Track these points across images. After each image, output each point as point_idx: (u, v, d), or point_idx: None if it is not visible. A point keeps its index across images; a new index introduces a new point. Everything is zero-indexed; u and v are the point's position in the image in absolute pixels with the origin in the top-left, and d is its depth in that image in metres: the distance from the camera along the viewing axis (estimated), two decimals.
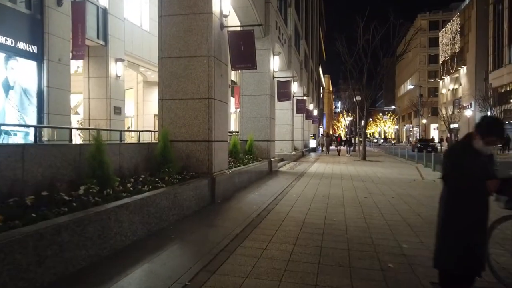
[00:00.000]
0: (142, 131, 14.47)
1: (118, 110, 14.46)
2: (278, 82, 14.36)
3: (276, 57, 14.03)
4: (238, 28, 8.27)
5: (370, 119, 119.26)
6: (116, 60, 14.28)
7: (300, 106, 21.15)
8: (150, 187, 5.18)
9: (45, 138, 10.73)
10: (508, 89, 38.14)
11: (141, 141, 9.88)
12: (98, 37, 13.69)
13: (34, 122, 10.93)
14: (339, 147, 28.21)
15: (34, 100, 11.00)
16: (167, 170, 6.05)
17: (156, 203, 4.86)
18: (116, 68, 14.27)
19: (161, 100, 7.30)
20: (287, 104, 19.61)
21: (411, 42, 19.84)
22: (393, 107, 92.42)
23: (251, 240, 4.63)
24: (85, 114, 14.22)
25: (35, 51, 10.83)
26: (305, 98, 23.10)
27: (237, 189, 8.69)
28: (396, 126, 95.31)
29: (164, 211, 5.06)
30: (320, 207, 6.89)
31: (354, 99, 24.84)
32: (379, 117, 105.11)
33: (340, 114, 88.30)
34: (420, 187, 10.07)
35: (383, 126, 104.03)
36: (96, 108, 14.05)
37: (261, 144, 13.28)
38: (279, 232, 5.03)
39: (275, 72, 14.03)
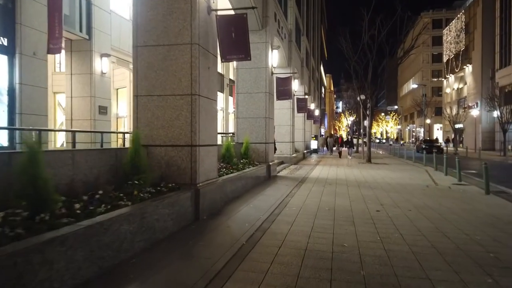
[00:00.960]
0: (120, 132, 13.36)
1: (103, 110, 13.32)
2: (277, 79, 13.19)
3: (275, 51, 12.87)
4: (230, 12, 7.10)
5: (373, 119, 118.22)
6: (102, 55, 13.14)
7: (301, 106, 19.98)
8: (109, 206, 4.03)
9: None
10: None
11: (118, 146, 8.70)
12: (80, 30, 12.56)
13: (5, 123, 9.80)
14: (340, 149, 26.62)
15: (5, 99, 9.86)
16: (137, 182, 4.89)
17: (114, 229, 3.71)
18: (101, 64, 13.13)
19: (136, 96, 6.13)
20: (287, 103, 18.46)
21: (420, 36, 18.63)
22: (395, 107, 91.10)
23: (235, 282, 3.47)
24: (67, 114, 13.08)
25: (6, 43, 9.69)
26: (307, 97, 21.93)
27: (228, 200, 7.53)
28: (399, 126, 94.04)
29: (125, 238, 3.91)
30: (326, 225, 5.72)
31: (358, 98, 23.64)
32: (381, 117, 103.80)
33: (342, 114, 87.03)
34: (437, 196, 8.89)
35: (385, 126, 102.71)
36: (79, 108, 12.92)
37: (259, 146, 12.12)
38: (274, 267, 3.86)
39: (274, 68, 12.87)
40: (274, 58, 12.78)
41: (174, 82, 5.99)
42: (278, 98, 13.52)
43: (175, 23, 5.98)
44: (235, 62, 12.65)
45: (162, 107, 6.02)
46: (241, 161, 10.57)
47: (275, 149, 16.06)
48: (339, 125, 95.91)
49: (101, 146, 11.36)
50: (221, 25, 6.54)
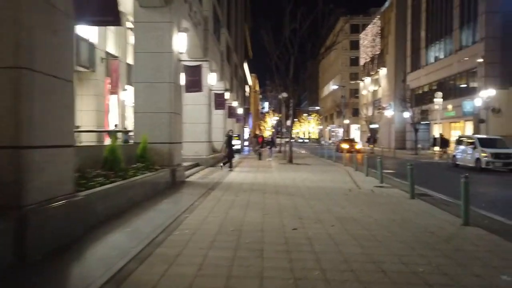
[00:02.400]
0: None
1: None
2: (186, 67, 11.27)
3: (184, 35, 10.94)
4: None
5: (295, 119, 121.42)
6: None
7: (220, 102, 18.30)
8: None
9: None
10: (425, 90, 39.37)
11: None
12: None
13: None
14: (260, 149, 24.08)
15: None
16: None
17: None
18: None
19: None
20: (203, 98, 16.59)
21: (340, 33, 18.07)
22: (317, 107, 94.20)
23: None
24: None
25: None
26: (226, 93, 20.27)
27: (99, 222, 5.48)
28: (320, 126, 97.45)
29: None
30: (221, 261, 4.02)
31: (280, 96, 22.66)
32: (303, 117, 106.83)
33: (267, 114, 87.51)
34: (361, 203, 7.78)
35: (308, 126, 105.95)
36: None
37: (161, 147, 10.09)
38: None
39: (181, 53, 10.95)
40: (181, 42, 10.84)
41: None
42: (187, 90, 11.62)
43: None
44: (133, 37, 10.47)
45: None
46: (136, 165, 8.49)
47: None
48: (264, 125, 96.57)
49: None
50: None
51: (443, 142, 31.84)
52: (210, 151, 17.44)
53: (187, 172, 12.62)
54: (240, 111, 33.82)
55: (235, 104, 28.10)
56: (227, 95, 20.98)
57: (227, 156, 15.47)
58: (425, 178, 13.26)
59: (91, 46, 14.81)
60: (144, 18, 10.06)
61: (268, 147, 24.50)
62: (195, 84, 11.30)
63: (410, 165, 8.73)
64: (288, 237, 5.01)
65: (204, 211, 6.65)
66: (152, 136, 9.90)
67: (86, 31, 14.20)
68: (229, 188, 9.84)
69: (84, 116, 15.46)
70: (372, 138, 45.82)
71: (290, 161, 18.89)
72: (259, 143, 23.88)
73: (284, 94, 21.17)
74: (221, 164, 15.40)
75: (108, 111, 17.50)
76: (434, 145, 31.81)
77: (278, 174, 13.90)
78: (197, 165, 15.49)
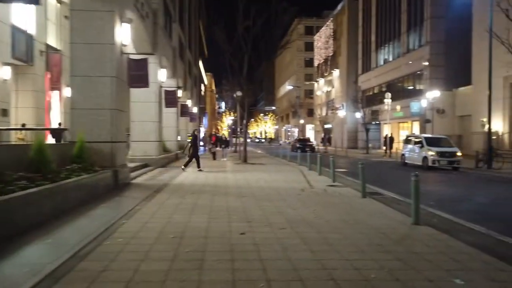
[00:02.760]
0: None
1: None
2: (130, 60, 10.49)
3: (127, 26, 10.18)
4: None
5: (252, 119, 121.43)
6: None
7: (171, 99, 17.52)
8: None
9: None
10: (375, 91, 40.72)
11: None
12: None
13: None
14: (214, 149, 22.27)
15: None
16: None
17: None
18: None
19: None
20: (153, 95, 15.76)
21: (293, 33, 17.89)
22: (273, 107, 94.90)
23: None
24: None
25: None
26: (179, 90, 19.48)
27: (17, 233, 4.73)
28: (276, 126, 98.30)
29: None
30: (154, 275, 3.50)
31: (235, 95, 22.23)
32: (260, 117, 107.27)
33: (224, 114, 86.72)
34: (313, 203, 7.54)
35: (264, 126, 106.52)
36: None
37: (102, 147, 9.28)
38: None
39: (125, 46, 10.18)
40: (125, 34, 10.08)
41: None
42: (130, 85, 10.83)
43: None
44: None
45: None
46: (70, 167, 7.67)
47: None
48: (221, 125, 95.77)
49: None
50: None
51: (390, 142, 33.06)
52: (161, 151, 16.62)
53: (134, 174, 11.83)
54: (194, 110, 32.99)
55: (189, 103, 27.30)
56: (179, 93, 20.20)
57: (191, 156, 14.65)
58: (376, 177, 13.43)
59: (29, 38, 13.47)
60: (82, 5, 9.24)
61: (223, 146, 23.98)
62: (140, 79, 10.51)
63: (361, 164, 8.65)
64: (234, 244, 4.58)
65: (145, 217, 6.05)
66: (92, 134, 9.10)
67: (23, 22, 12.93)
68: (177, 190, 9.24)
69: (22, 114, 14.12)
70: (326, 138, 46.83)
71: (245, 161, 18.52)
72: (213, 143, 22.87)
73: (239, 93, 20.75)
74: (183, 166, 14.55)
75: (49, 108, 16.14)
76: (385, 144, 32.93)
77: (231, 174, 13.46)
78: (145, 166, 14.66)
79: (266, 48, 18.14)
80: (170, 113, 20.29)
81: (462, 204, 8.53)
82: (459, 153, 16.92)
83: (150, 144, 15.67)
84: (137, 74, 10.35)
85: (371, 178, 11.33)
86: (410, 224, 5.75)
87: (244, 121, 20.71)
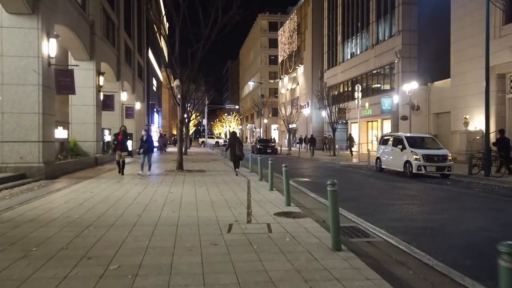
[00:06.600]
0: None
1: None
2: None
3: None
4: None
5: (217, 119, 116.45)
6: None
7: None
8: None
9: None
10: (343, 88, 37.48)
11: None
12: None
13: None
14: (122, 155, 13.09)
15: None
16: None
17: None
18: None
19: None
20: (30, 77, 11.09)
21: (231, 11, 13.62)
22: (236, 106, 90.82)
23: None
24: None
25: None
26: (100, 77, 14.84)
27: None
28: (240, 126, 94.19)
29: None
30: None
31: (173, 84, 17.85)
32: (224, 117, 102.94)
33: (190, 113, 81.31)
34: (228, 280, 3.45)
35: (229, 127, 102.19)
36: None
37: None
38: None
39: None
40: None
41: None
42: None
43: None
44: None
45: None
46: None
47: None
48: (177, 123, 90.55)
49: None
50: None
51: (350, 142, 29.80)
52: (51, 156, 11.78)
53: None
54: (137, 105, 28.32)
55: (124, 95, 22.44)
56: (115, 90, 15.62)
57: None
58: (349, 191, 9.61)
59: None
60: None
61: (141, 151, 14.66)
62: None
63: (331, 185, 4.55)
64: None
65: None
66: None
67: None
68: (40, 228, 4.85)
69: None
70: (303, 138, 42.80)
71: (180, 167, 14.24)
72: (118, 142, 12.43)
73: (177, 82, 16.39)
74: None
75: None
76: (351, 145, 29.67)
77: (150, 189, 9.16)
78: (20, 177, 10.08)
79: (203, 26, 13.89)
80: (86, 106, 15.60)
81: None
82: (450, 157, 13.47)
83: (31, 145, 10.73)
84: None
85: (343, 193, 7.50)
86: None
87: (186, 116, 16.37)
